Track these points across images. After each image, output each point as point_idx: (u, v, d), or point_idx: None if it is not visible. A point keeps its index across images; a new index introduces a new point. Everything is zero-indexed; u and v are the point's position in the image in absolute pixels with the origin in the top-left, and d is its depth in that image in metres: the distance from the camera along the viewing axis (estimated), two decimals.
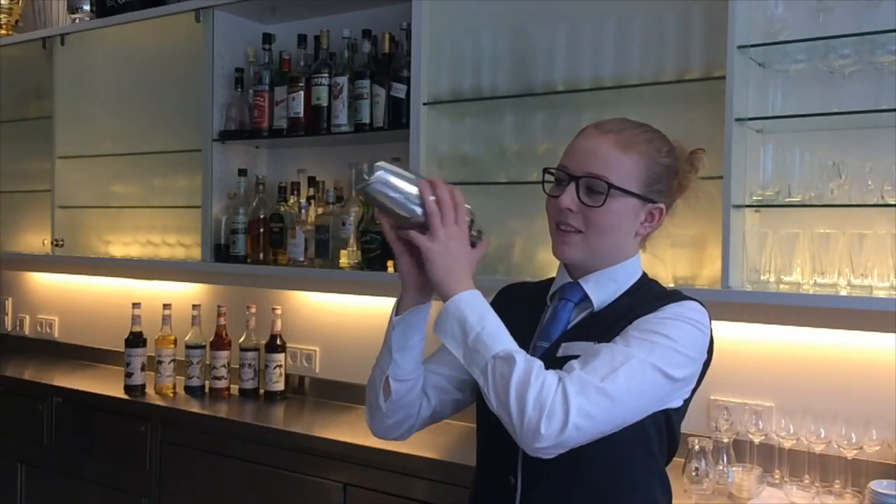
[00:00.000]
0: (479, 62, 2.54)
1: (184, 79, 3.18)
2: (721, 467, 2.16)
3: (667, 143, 1.46)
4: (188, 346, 3.13)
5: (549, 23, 2.42)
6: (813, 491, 2.10)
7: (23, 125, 3.71)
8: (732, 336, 2.29)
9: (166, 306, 3.18)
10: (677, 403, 1.40)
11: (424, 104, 2.55)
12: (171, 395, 3.09)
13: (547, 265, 2.24)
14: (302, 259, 2.86)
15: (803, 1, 2.11)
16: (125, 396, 3.09)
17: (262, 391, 3.07)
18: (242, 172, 3.06)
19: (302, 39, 2.88)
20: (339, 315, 3.10)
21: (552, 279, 1.56)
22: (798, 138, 2.15)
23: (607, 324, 1.40)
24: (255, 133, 2.96)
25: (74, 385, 3.24)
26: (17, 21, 3.90)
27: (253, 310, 3.10)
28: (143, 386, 3.14)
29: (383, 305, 2.90)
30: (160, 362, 3.11)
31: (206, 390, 3.12)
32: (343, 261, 2.76)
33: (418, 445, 2.24)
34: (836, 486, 2.10)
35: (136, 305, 3.22)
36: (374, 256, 2.68)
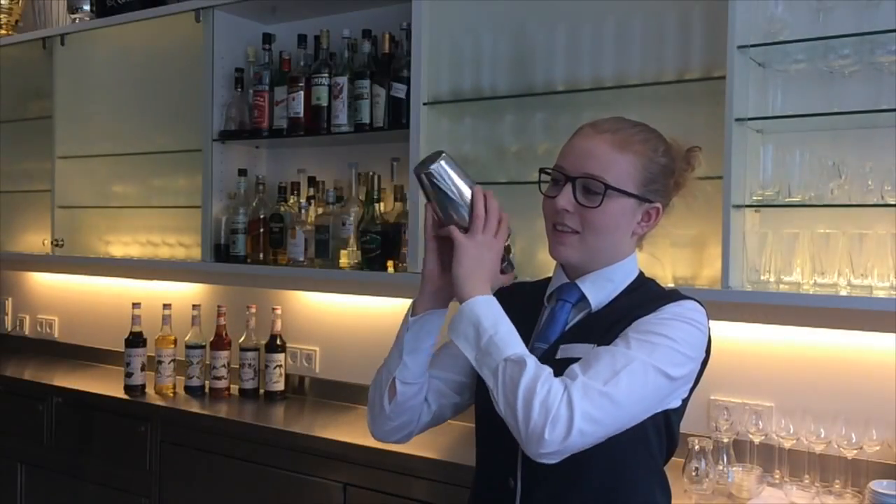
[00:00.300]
0: (479, 62, 2.54)
1: (184, 79, 3.18)
2: (721, 467, 2.16)
3: (663, 142, 1.46)
4: (188, 346, 3.13)
5: (549, 23, 2.42)
6: (813, 491, 2.10)
7: (23, 125, 3.71)
8: (732, 336, 2.29)
9: (166, 306, 3.18)
10: (676, 403, 1.40)
11: (424, 104, 2.54)
12: (171, 395, 3.09)
13: (547, 265, 2.23)
14: (302, 259, 2.86)
15: (803, 1, 2.11)
16: (125, 396, 3.09)
17: (262, 391, 3.07)
18: (242, 172, 3.06)
19: (302, 39, 2.88)
20: (338, 315, 3.10)
21: (549, 279, 1.56)
22: (798, 138, 2.15)
23: (606, 325, 1.40)
24: (255, 133, 2.96)
25: (74, 385, 3.24)
26: (17, 21, 3.89)
27: (253, 310, 3.10)
28: (143, 386, 3.14)
29: (383, 305, 2.91)
30: (160, 362, 3.11)
31: (206, 390, 3.12)
32: (343, 261, 2.76)
33: (418, 445, 2.23)
34: (836, 486, 2.10)
35: (136, 305, 3.22)
36: (374, 256, 2.68)
